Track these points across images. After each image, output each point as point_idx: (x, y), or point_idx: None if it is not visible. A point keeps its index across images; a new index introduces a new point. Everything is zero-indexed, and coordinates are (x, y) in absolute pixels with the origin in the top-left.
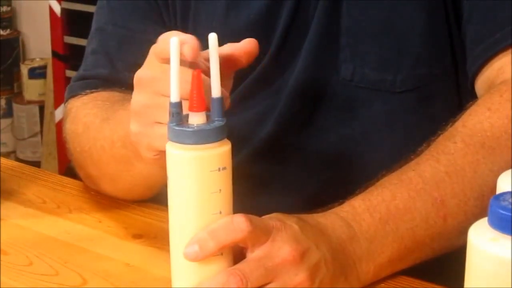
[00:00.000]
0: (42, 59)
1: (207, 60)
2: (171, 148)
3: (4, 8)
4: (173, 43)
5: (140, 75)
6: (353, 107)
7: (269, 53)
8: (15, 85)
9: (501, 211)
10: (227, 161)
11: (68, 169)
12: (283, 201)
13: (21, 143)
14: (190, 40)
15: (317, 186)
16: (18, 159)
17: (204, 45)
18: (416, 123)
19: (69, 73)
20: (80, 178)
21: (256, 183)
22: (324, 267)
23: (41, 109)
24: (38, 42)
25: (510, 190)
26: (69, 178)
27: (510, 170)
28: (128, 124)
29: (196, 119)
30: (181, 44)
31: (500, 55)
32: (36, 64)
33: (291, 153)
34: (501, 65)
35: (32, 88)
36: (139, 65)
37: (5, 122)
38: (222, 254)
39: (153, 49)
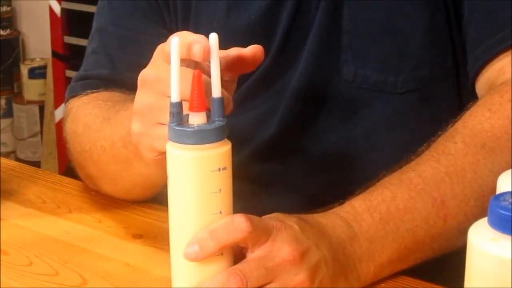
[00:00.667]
0: (42, 59)
1: (207, 60)
2: (171, 148)
3: (4, 8)
4: (173, 43)
5: (145, 75)
6: (355, 108)
7: (270, 54)
8: (15, 85)
9: (501, 211)
10: (228, 161)
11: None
12: (284, 201)
13: (21, 143)
14: (202, 40)
15: (318, 187)
16: (18, 159)
17: None
18: (417, 124)
19: (69, 73)
20: (80, 178)
21: (257, 183)
22: (324, 267)
23: (41, 109)
24: (38, 42)
25: (510, 190)
26: (69, 178)
27: (510, 170)
28: (129, 124)
29: (197, 119)
30: (193, 43)
31: (501, 56)
32: (36, 64)
33: (292, 154)
34: (502, 66)
35: (32, 88)
36: (139, 65)
37: (5, 122)
38: (222, 254)
39: (160, 48)
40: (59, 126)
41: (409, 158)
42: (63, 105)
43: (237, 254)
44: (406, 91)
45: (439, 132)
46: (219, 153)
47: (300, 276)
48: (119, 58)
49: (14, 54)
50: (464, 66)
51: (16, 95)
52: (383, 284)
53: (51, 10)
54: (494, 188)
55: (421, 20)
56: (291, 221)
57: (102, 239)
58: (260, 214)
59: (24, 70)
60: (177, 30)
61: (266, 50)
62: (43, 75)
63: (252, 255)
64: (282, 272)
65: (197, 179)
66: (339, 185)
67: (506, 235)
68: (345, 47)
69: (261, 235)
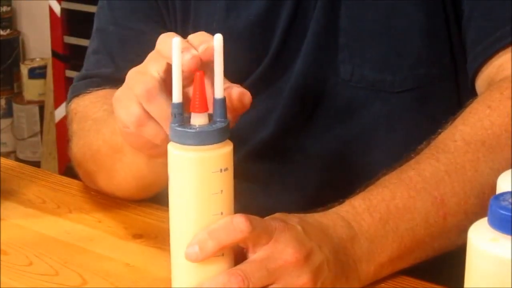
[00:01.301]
0: (42, 59)
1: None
2: (172, 149)
3: (4, 8)
4: (175, 44)
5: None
6: (353, 107)
7: (269, 54)
8: (15, 85)
9: (501, 211)
10: (229, 162)
11: (68, 169)
12: (282, 200)
13: (21, 143)
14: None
15: (317, 186)
16: (18, 159)
17: None
18: (415, 123)
19: (69, 73)
20: (80, 178)
21: (255, 183)
22: (326, 269)
23: (41, 109)
24: (38, 42)
25: (510, 190)
26: (69, 178)
27: (510, 170)
28: None
29: (198, 120)
30: (201, 43)
31: (500, 53)
32: (36, 64)
33: (291, 154)
34: (501, 63)
35: (32, 88)
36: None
37: (5, 122)
38: (223, 254)
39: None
40: (59, 126)
41: (408, 156)
42: (63, 105)
43: (238, 255)
44: (403, 91)
45: (439, 130)
46: (221, 154)
47: (303, 278)
48: (121, 57)
49: (14, 54)
50: (462, 65)
51: (16, 95)
52: (383, 284)
53: (51, 10)
54: (494, 186)
55: (418, 19)
56: (294, 222)
57: (102, 239)
58: (260, 214)
59: (24, 70)
60: (176, 31)
61: (265, 50)
62: (43, 75)
63: (254, 256)
64: (285, 274)
65: (199, 180)
66: (338, 184)
67: (506, 235)
68: (342, 46)
69: (261, 236)
